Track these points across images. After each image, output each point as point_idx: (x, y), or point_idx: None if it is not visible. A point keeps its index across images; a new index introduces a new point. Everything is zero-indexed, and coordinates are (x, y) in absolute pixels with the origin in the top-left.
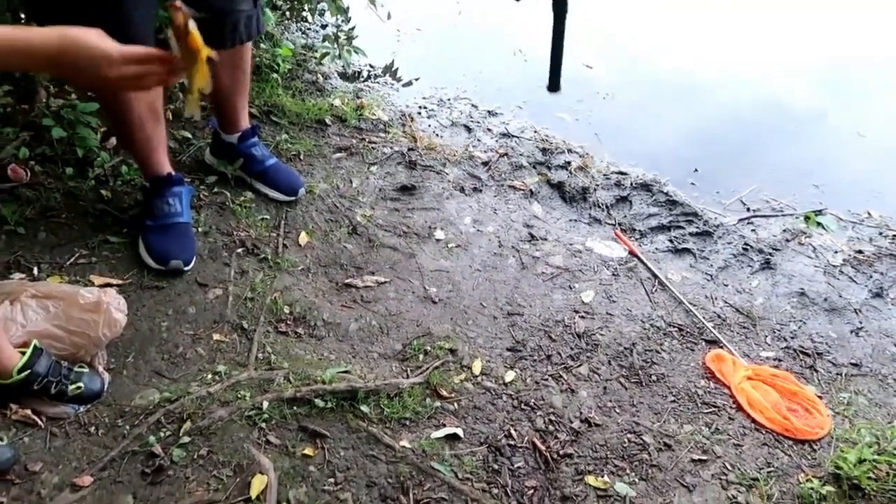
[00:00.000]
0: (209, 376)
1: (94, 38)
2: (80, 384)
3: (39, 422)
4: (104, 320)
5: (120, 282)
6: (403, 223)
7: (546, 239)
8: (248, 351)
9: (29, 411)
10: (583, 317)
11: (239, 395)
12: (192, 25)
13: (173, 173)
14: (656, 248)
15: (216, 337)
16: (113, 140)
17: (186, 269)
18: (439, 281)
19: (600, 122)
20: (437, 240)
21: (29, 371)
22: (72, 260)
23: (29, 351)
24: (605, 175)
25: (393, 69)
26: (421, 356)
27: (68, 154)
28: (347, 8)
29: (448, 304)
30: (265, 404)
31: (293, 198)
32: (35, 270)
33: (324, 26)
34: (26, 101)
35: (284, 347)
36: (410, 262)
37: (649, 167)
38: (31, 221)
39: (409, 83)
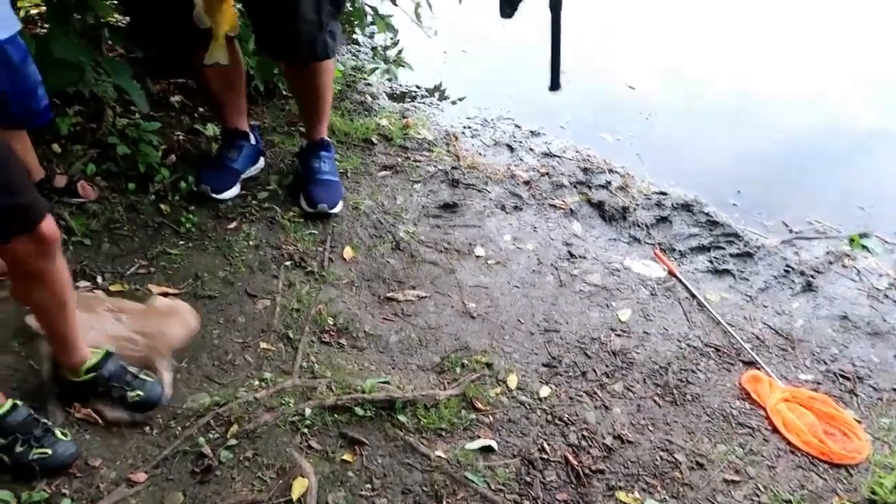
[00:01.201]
0: (256, 383)
1: None
2: (141, 392)
3: (99, 421)
4: (178, 323)
5: (176, 291)
6: (445, 239)
7: (585, 257)
8: (292, 360)
9: (90, 410)
10: (619, 335)
11: (283, 402)
12: None
13: (240, 129)
14: (696, 269)
15: (263, 345)
16: (173, 157)
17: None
18: (478, 296)
19: (642, 142)
20: (477, 256)
21: (95, 374)
22: (132, 270)
23: (100, 353)
24: (645, 195)
25: (440, 89)
26: (458, 369)
27: (131, 170)
28: (396, 30)
29: (486, 319)
30: (308, 411)
31: (311, 210)
32: (99, 279)
33: (373, 48)
34: (95, 121)
35: (327, 357)
36: (450, 278)
37: (691, 187)
38: (96, 233)
39: (454, 102)
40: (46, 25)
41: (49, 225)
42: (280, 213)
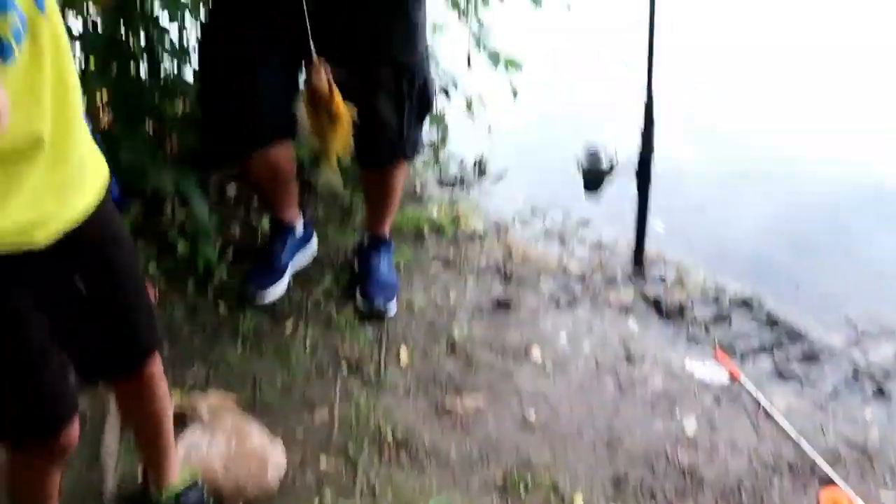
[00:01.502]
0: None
1: None
2: None
3: None
4: (271, 468)
5: (234, 400)
6: (500, 340)
7: (644, 359)
8: (353, 480)
9: None
10: (686, 448)
11: None
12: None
13: (285, 221)
14: (760, 372)
15: (323, 465)
16: (229, 253)
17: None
18: (537, 403)
19: (694, 233)
20: (534, 359)
21: (177, 500)
22: (191, 376)
23: (187, 482)
24: (701, 290)
25: (489, 176)
26: (521, 490)
27: (190, 268)
28: (447, 125)
29: (546, 429)
30: None
31: (366, 309)
32: None
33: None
34: (154, 214)
35: (388, 475)
36: (508, 384)
37: (748, 280)
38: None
39: (502, 188)
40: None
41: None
42: (335, 311)
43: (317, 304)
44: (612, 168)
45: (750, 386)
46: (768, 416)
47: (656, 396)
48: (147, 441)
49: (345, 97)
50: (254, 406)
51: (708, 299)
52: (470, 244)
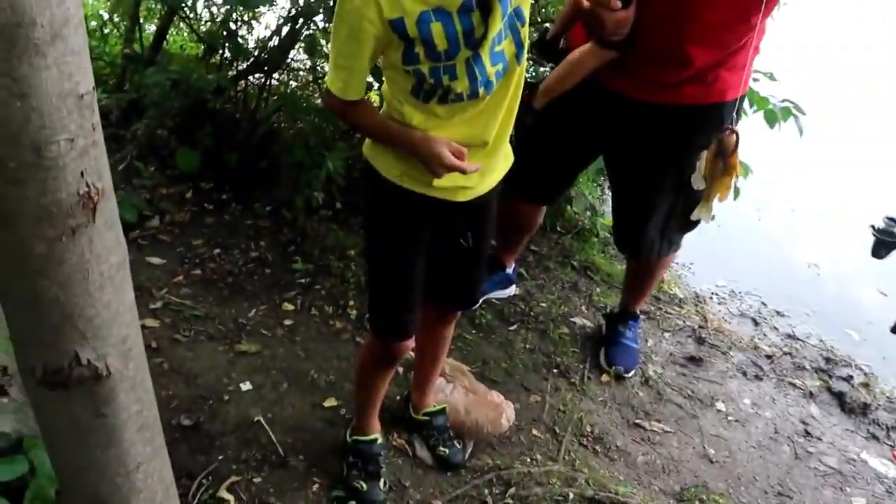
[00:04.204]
0: (528, 459)
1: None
2: (447, 451)
3: (409, 452)
4: (503, 418)
5: (468, 369)
6: (689, 387)
7: (821, 439)
8: (557, 450)
9: (405, 442)
10: None
11: (550, 482)
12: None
13: (501, 261)
14: None
15: (534, 432)
16: None
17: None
18: (717, 445)
19: (888, 346)
20: (718, 410)
21: (428, 419)
22: None
23: (438, 407)
24: (888, 397)
25: (694, 256)
26: (697, 502)
27: None
28: None
29: (724, 466)
30: (571, 495)
31: (607, 368)
32: None
33: None
34: None
35: (584, 457)
36: (692, 422)
37: None
38: None
39: (705, 269)
40: None
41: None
42: (552, 328)
43: (537, 318)
44: None
45: None
46: None
47: (829, 471)
48: (425, 367)
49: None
50: (482, 378)
51: (893, 407)
52: (669, 306)
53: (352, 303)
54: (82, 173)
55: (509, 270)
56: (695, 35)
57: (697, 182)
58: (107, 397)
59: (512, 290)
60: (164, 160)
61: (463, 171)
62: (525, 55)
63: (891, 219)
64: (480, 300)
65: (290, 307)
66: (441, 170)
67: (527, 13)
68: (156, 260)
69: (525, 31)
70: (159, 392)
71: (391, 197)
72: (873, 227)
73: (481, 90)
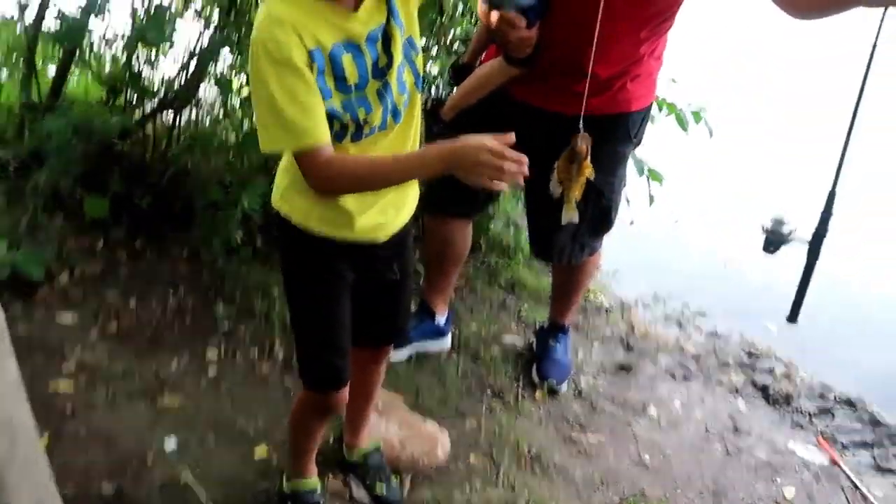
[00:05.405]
0: (468, 488)
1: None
2: (386, 491)
3: (347, 495)
4: (438, 449)
5: (401, 400)
6: (621, 395)
7: (750, 433)
8: (496, 474)
9: (341, 482)
10: None
11: None
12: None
13: (430, 305)
14: (859, 462)
15: (472, 459)
16: None
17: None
18: (652, 451)
19: (806, 337)
20: (650, 416)
21: (364, 459)
22: None
23: (372, 446)
24: (808, 385)
25: (616, 264)
26: None
27: None
28: None
29: (659, 472)
30: None
31: (539, 382)
32: None
33: None
34: None
35: (524, 479)
36: (627, 430)
37: (854, 383)
38: None
39: (628, 275)
40: None
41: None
42: (483, 350)
43: (467, 341)
44: (791, 234)
45: (849, 471)
46: (864, 500)
47: (760, 464)
48: (358, 406)
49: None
50: (416, 408)
51: (814, 394)
52: (597, 315)
53: (278, 343)
54: None
55: (440, 319)
56: (596, 49)
57: (554, 189)
58: None
59: (445, 342)
60: (71, 210)
61: (517, 163)
62: (422, 83)
63: (777, 219)
64: (410, 349)
65: (214, 355)
66: (490, 161)
67: (419, 42)
68: (67, 318)
69: (420, 60)
70: (77, 461)
71: (310, 247)
72: (763, 226)
73: (390, 119)
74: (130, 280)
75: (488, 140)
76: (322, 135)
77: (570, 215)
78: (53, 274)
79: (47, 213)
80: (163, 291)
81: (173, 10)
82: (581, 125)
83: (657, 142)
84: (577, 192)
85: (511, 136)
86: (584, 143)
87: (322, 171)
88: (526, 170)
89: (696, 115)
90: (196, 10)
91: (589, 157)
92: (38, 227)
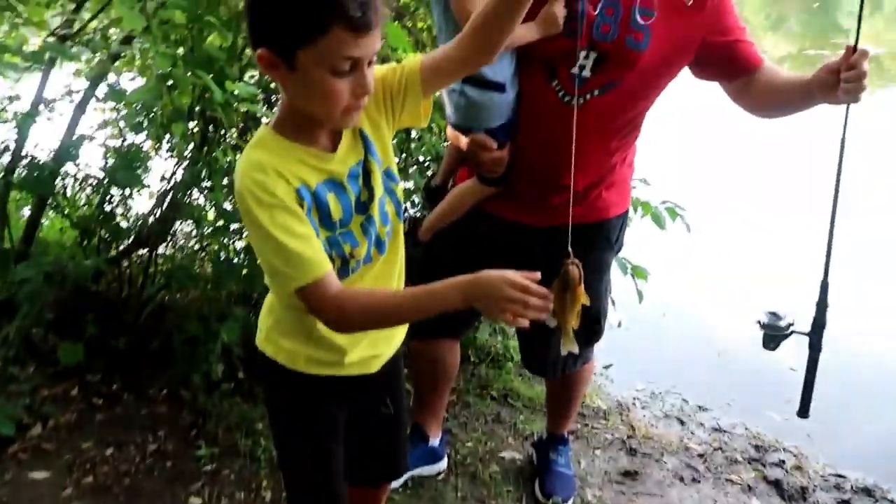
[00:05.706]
0: None
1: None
2: None
3: None
4: None
5: None
6: None
7: None
8: None
9: None
10: None
11: None
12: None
13: (423, 429)
14: None
15: None
16: None
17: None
18: None
19: (811, 422)
20: None
21: None
22: None
23: None
24: (822, 476)
25: (609, 361)
26: None
27: None
28: None
29: None
30: None
31: (544, 499)
32: None
33: None
34: None
35: None
36: None
37: (868, 469)
38: None
39: (622, 373)
40: None
41: None
42: (481, 469)
43: (464, 460)
44: (789, 328)
45: None
46: None
47: None
48: None
49: None
50: None
51: (829, 486)
52: (595, 420)
53: (265, 483)
54: None
55: (434, 441)
56: (568, 163)
57: (549, 321)
58: None
59: (441, 465)
60: (43, 357)
61: (538, 298)
62: (403, 212)
63: (772, 313)
64: (405, 476)
65: (198, 501)
66: (514, 296)
67: (396, 173)
68: (39, 474)
69: (399, 189)
70: None
71: (299, 388)
72: (759, 322)
73: (374, 251)
74: (107, 427)
75: (510, 273)
76: (327, 263)
77: (570, 347)
78: (25, 427)
79: (19, 363)
80: (141, 437)
81: (146, 147)
82: (569, 249)
83: (637, 239)
84: (574, 323)
85: (537, 274)
86: (575, 268)
87: (334, 301)
88: (551, 305)
89: (672, 212)
90: (169, 146)
91: (583, 284)
92: (9, 379)
